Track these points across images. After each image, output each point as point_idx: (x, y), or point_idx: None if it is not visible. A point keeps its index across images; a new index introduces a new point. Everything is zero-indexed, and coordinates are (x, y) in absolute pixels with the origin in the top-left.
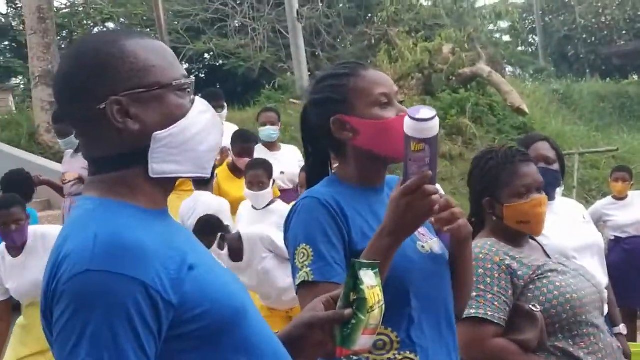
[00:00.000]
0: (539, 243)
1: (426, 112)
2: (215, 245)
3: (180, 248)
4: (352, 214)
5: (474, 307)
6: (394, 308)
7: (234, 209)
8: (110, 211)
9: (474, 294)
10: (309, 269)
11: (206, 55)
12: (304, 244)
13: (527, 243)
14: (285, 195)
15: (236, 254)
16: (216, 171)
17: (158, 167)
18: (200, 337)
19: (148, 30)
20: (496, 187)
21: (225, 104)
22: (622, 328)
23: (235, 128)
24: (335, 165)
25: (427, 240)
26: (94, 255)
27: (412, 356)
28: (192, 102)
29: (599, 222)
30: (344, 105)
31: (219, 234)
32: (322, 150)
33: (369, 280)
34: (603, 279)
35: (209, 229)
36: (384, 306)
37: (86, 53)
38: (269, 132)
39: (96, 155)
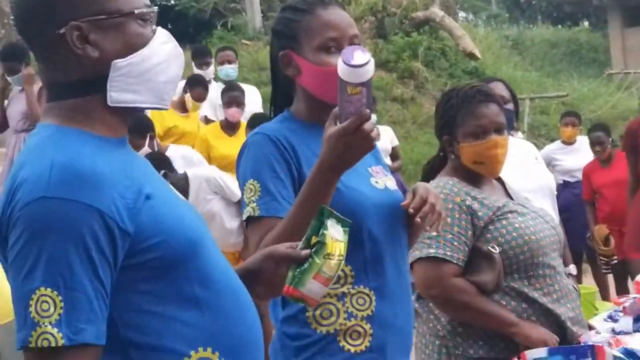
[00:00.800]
0: (502, 182)
1: (360, 56)
2: None
3: (137, 177)
4: (303, 150)
5: (433, 246)
6: (348, 242)
7: (227, 168)
8: (67, 138)
9: (434, 233)
10: (255, 204)
11: None
12: (252, 180)
13: (488, 182)
14: None
15: (181, 194)
16: (205, 130)
17: (117, 95)
18: (156, 267)
19: None
20: (454, 126)
21: (212, 61)
22: (572, 268)
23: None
24: None
25: (382, 177)
26: (50, 182)
27: (366, 290)
28: (154, 32)
29: (548, 166)
30: (293, 42)
31: (163, 172)
32: (284, 82)
33: (335, 233)
34: (555, 219)
35: (139, 128)
36: (343, 263)
37: None
38: (227, 70)
39: (55, 81)
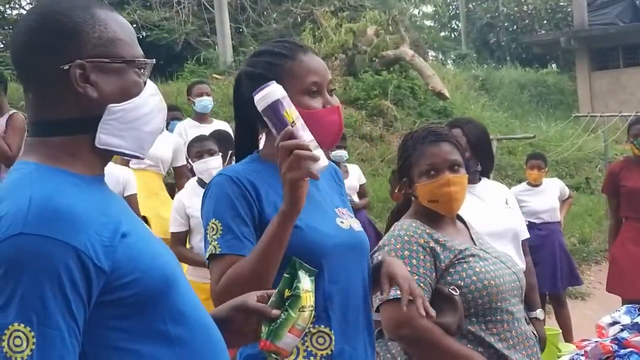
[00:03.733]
0: (466, 225)
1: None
2: None
3: (114, 215)
4: (265, 190)
5: None
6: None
7: None
8: (46, 176)
9: None
10: (216, 242)
11: None
12: (214, 219)
13: (451, 225)
14: None
15: None
16: None
17: (105, 138)
18: (131, 305)
19: None
20: (409, 167)
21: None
22: (538, 313)
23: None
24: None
25: (347, 219)
26: (27, 219)
27: (326, 330)
28: (145, 83)
29: None
30: None
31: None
32: (251, 123)
33: (306, 283)
34: (519, 264)
35: None
36: (313, 312)
37: (58, 12)
38: (205, 102)
39: (44, 117)
